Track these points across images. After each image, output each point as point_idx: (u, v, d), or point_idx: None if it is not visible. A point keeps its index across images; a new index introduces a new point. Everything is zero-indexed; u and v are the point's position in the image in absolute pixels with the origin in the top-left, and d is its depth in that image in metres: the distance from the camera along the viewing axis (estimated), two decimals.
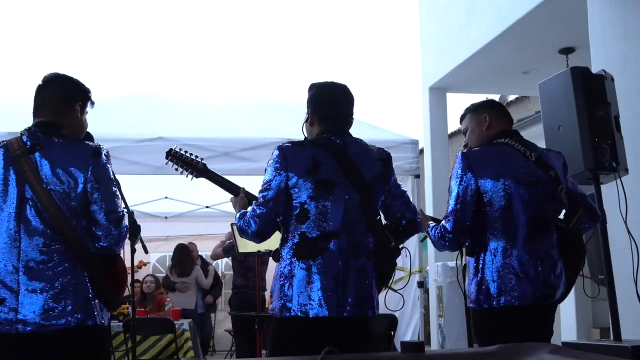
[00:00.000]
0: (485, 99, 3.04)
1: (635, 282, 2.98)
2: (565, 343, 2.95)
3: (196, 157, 2.86)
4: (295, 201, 2.42)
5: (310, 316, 2.33)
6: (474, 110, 2.90)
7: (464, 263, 3.02)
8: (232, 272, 9.58)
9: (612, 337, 3.12)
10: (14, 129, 4.53)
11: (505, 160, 2.69)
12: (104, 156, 2.37)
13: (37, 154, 2.29)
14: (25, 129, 2.39)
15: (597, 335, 5.96)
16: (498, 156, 2.71)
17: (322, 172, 2.42)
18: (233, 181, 2.85)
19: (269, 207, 2.43)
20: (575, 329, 6.07)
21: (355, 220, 2.44)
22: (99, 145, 2.40)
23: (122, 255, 2.50)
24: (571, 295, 6.35)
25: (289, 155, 2.44)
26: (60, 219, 2.25)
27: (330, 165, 2.44)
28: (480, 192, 2.65)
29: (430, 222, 2.93)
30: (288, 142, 2.52)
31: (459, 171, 2.69)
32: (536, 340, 2.56)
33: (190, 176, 2.87)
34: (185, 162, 2.83)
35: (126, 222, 2.44)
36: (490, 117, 2.82)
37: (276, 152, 2.47)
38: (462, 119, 2.95)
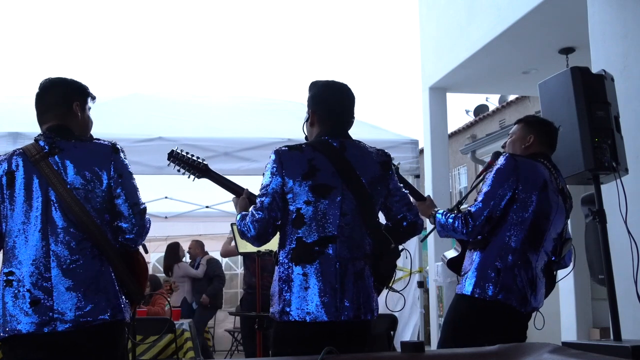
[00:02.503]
0: (544, 119, 3.15)
1: (635, 282, 2.98)
2: (565, 343, 2.94)
3: (198, 158, 2.85)
4: (291, 206, 2.41)
5: (308, 321, 2.33)
6: (527, 124, 3.03)
7: (450, 257, 3.08)
8: (231, 271, 9.57)
9: (612, 337, 3.11)
10: (13, 129, 4.55)
11: (541, 177, 2.83)
12: (121, 152, 2.46)
13: (57, 157, 2.35)
14: (39, 135, 2.44)
15: (597, 335, 5.96)
16: (538, 170, 2.84)
17: (319, 176, 2.41)
18: (234, 181, 2.84)
19: (267, 212, 2.41)
20: (575, 329, 6.07)
21: (353, 224, 2.43)
22: (115, 142, 2.48)
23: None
24: (571, 295, 6.35)
25: (285, 160, 2.43)
26: (85, 217, 2.32)
27: (327, 169, 2.42)
28: (515, 196, 2.77)
29: (437, 209, 3.00)
30: (285, 146, 2.50)
31: (505, 171, 2.79)
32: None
33: (192, 177, 2.86)
34: (187, 163, 2.82)
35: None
36: (534, 139, 2.95)
37: (273, 157, 2.46)
38: (515, 123, 3.10)
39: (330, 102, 2.56)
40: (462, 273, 2.85)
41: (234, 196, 2.80)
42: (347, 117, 2.58)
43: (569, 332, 6.03)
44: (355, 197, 2.44)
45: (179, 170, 2.85)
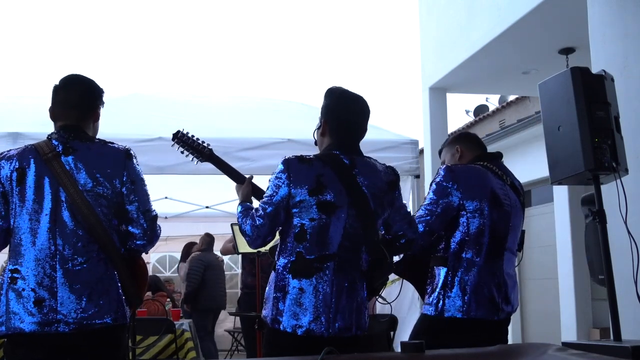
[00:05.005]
0: (457, 132, 3.17)
1: (635, 282, 2.98)
2: (565, 343, 2.94)
3: (203, 142, 2.81)
4: (295, 220, 2.40)
5: (299, 334, 2.33)
6: (447, 144, 3.06)
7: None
8: (232, 271, 9.57)
9: (612, 337, 3.11)
10: (13, 129, 4.54)
11: (485, 181, 2.80)
12: (134, 158, 2.45)
13: (70, 158, 2.34)
14: (53, 133, 2.43)
15: (597, 335, 5.97)
16: (480, 175, 2.82)
17: (326, 193, 2.39)
18: (237, 169, 2.81)
19: (268, 220, 2.41)
20: (575, 329, 6.08)
21: (354, 242, 2.42)
22: (128, 147, 2.46)
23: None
24: (571, 295, 6.34)
25: (293, 172, 2.40)
26: (94, 220, 2.31)
27: (334, 186, 2.40)
28: (460, 207, 2.73)
29: None
30: (294, 156, 2.45)
31: (443, 182, 2.75)
32: None
33: (195, 160, 2.82)
34: (192, 146, 2.78)
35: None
36: (461, 148, 2.98)
37: (281, 167, 2.42)
38: (439, 153, 3.09)
39: (344, 114, 2.53)
40: (428, 291, 2.80)
41: (236, 184, 2.76)
42: (359, 132, 2.57)
43: (569, 332, 6.03)
44: (359, 216, 2.42)
45: (182, 152, 2.81)
